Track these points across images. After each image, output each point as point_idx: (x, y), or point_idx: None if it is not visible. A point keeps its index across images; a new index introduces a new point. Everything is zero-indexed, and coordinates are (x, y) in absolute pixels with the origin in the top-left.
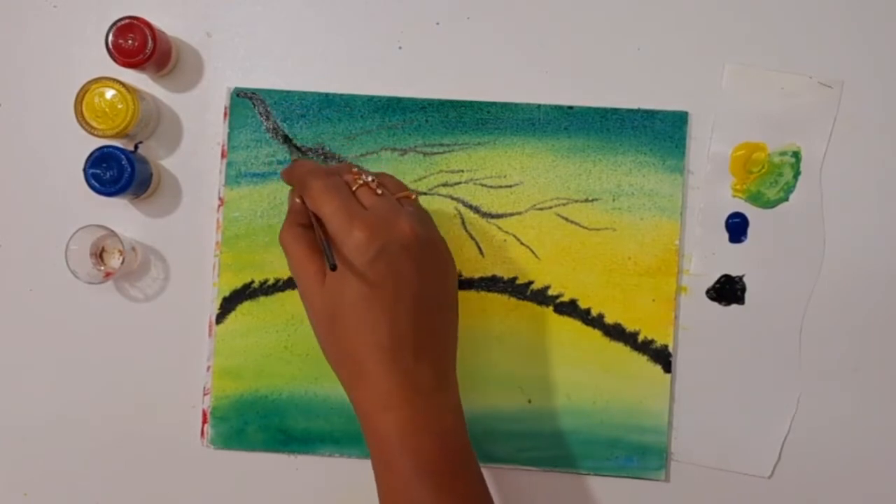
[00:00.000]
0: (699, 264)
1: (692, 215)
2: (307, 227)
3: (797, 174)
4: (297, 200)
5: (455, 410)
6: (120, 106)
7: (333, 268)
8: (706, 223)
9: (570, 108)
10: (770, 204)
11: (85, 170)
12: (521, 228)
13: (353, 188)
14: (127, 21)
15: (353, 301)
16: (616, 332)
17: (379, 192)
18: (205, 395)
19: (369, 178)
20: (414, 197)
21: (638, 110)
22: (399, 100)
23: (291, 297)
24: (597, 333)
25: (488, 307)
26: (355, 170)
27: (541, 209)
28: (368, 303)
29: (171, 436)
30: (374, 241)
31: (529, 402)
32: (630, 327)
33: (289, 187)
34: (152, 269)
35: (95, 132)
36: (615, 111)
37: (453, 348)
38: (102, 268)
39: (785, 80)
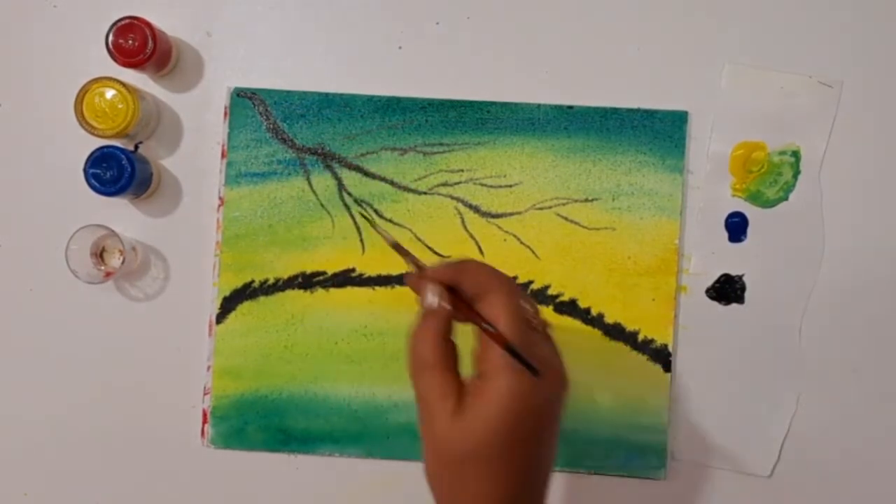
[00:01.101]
0: (699, 264)
1: (692, 215)
2: (449, 341)
3: (797, 173)
4: (447, 306)
5: None
6: (120, 106)
7: (536, 372)
8: (706, 223)
9: (570, 107)
10: (769, 203)
11: (85, 170)
12: (521, 228)
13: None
14: (127, 21)
15: (499, 443)
16: (616, 332)
17: (550, 332)
18: (205, 394)
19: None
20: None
21: (638, 110)
22: (399, 100)
23: (291, 297)
24: (597, 333)
25: None
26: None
27: (541, 209)
28: (512, 450)
29: (171, 436)
30: (555, 386)
31: None
32: (630, 326)
33: (288, 188)
34: (152, 268)
35: (95, 132)
36: (615, 111)
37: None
38: (102, 268)
39: (785, 80)
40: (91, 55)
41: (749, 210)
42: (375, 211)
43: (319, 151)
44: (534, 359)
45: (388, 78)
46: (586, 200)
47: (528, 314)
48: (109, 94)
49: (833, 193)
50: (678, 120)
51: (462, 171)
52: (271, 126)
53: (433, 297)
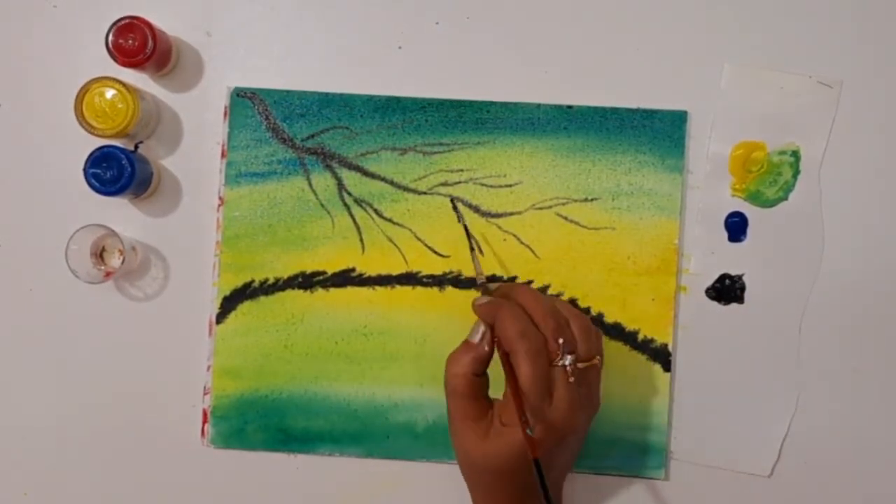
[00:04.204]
0: (698, 263)
1: (691, 215)
2: (481, 377)
3: (796, 173)
4: (486, 349)
5: None
6: (120, 106)
7: (531, 431)
8: (705, 222)
9: (570, 107)
10: (769, 203)
11: (85, 170)
12: (520, 228)
13: (552, 363)
14: (127, 21)
15: (511, 469)
16: (615, 332)
17: (571, 379)
18: (205, 394)
19: (567, 362)
20: (598, 363)
21: (637, 110)
22: (399, 100)
23: (291, 297)
24: None
25: None
26: (560, 340)
27: (540, 209)
28: (522, 472)
29: (171, 435)
30: (549, 437)
31: None
32: (629, 326)
33: (288, 187)
34: (152, 268)
35: (95, 132)
36: (615, 111)
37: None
38: (102, 267)
39: (784, 80)
40: (91, 55)
41: (749, 210)
42: (375, 211)
43: (319, 151)
44: (543, 417)
45: (388, 78)
46: (586, 200)
47: (546, 358)
48: (109, 93)
49: (833, 193)
50: (678, 120)
51: (462, 170)
52: (271, 126)
53: (476, 334)
